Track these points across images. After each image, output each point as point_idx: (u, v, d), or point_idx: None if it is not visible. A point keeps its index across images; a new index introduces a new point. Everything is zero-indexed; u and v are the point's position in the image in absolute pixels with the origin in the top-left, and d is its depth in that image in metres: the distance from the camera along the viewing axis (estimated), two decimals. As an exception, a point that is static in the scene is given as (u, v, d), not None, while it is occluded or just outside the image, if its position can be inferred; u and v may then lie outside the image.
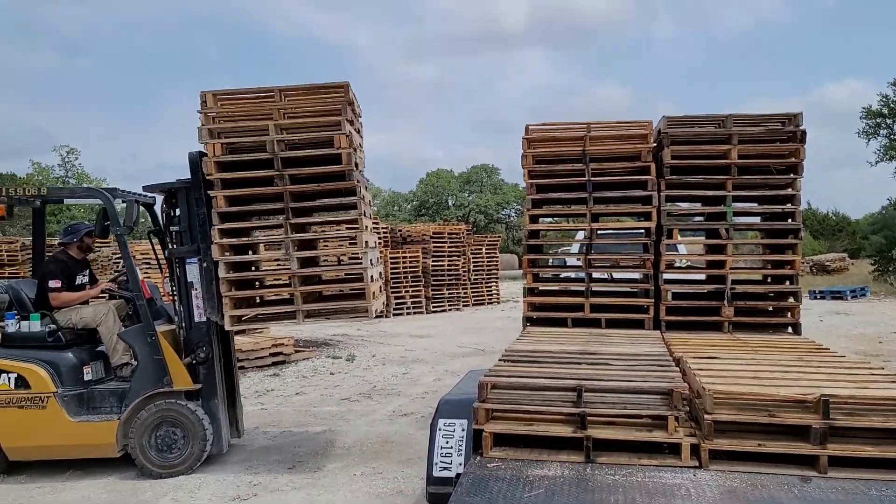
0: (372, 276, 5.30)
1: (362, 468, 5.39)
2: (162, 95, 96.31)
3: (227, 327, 5.23)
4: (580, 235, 6.37)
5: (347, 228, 5.63)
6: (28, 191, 5.61)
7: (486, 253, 21.69)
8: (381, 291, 5.89)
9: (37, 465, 5.63)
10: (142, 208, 5.87)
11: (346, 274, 5.71)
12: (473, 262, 21.19)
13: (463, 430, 3.71)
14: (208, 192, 5.17)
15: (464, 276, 20.60)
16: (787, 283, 5.78)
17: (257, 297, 5.62)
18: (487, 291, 21.73)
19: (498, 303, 21.84)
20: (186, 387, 5.36)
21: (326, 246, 5.78)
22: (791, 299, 5.75)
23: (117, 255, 17.48)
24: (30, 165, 38.01)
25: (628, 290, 6.10)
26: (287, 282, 5.27)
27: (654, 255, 5.80)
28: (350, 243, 5.32)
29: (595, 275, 6.06)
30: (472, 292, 20.99)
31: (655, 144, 5.88)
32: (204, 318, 5.38)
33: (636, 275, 6.10)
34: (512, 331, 5.61)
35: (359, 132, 5.69)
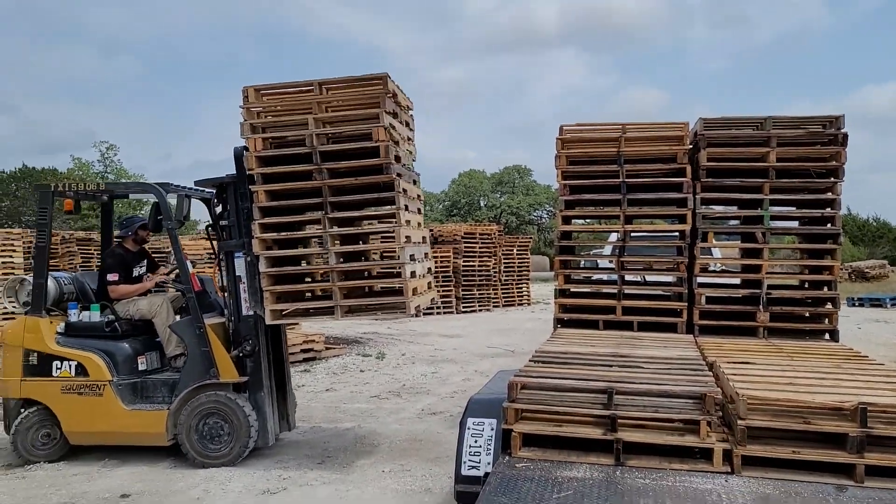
0: (414, 273, 5.27)
1: (391, 465, 5.42)
2: (197, 96, 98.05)
3: (268, 321, 5.26)
4: (613, 237, 6.32)
5: (386, 223, 5.60)
6: (88, 186, 5.91)
7: (517, 254, 21.63)
8: (429, 288, 5.85)
9: (75, 453, 5.77)
10: (198, 202, 6.04)
11: (386, 270, 5.69)
12: (504, 263, 21.15)
13: (492, 429, 3.72)
14: (250, 186, 5.23)
15: (494, 276, 20.57)
16: (825, 288, 5.67)
17: (307, 292, 5.63)
18: (518, 293, 21.67)
19: (528, 304, 21.76)
20: (232, 379, 5.42)
21: (374, 241, 5.78)
22: (829, 305, 5.64)
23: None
24: (70, 161, 38.83)
25: (661, 293, 6.04)
26: (327, 277, 5.28)
27: (688, 258, 5.73)
28: (387, 239, 5.29)
29: (627, 277, 6.01)
30: (503, 293, 20.95)
31: (691, 146, 5.81)
32: (251, 312, 5.43)
33: (669, 278, 6.03)
34: (542, 332, 5.60)
35: (407, 125, 5.65)
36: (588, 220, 8.52)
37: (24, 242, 17.27)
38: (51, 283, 5.80)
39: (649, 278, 6.75)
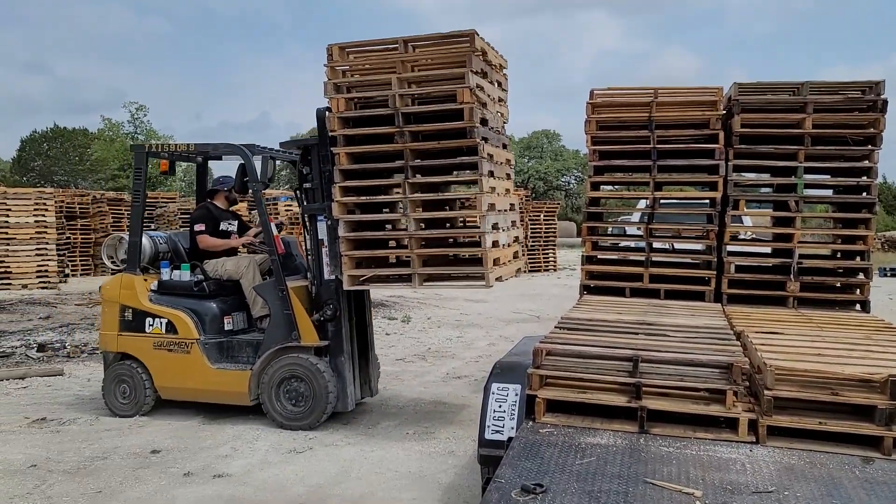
0: (496, 242, 5.12)
1: (415, 427, 5.49)
2: (226, 56, 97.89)
3: (346, 286, 5.22)
4: (642, 204, 6.24)
5: (468, 189, 5.42)
6: (178, 148, 6.02)
7: (544, 220, 21.52)
8: (515, 258, 5.70)
9: (106, 411, 5.93)
10: (285, 164, 6.11)
11: (466, 238, 5.58)
12: (531, 228, 21.07)
13: (516, 394, 3.73)
14: (332, 148, 5.16)
15: (521, 242, 20.50)
16: (858, 259, 5.56)
17: (390, 257, 5.51)
18: (544, 258, 21.63)
19: (555, 270, 21.72)
20: (313, 342, 5.44)
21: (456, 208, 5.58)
22: (861, 276, 5.53)
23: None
24: (101, 121, 39.25)
25: (690, 261, 5.97)
26: (403, 243, 5.17)
27: (718, 226, 5.64)
28: (470, 206, 5.09)
29: (655, 245, 5.94)
30: (529, 259, 20.92)
31: (725, 112, 5.68)
32: (332, 276, 5.42)
33: (699, 246, 5.95)
34: (568, 299, 5.58)
35: (500, 85, 5.45)
36: (617, 187, 8.43)
37: (56, 202, 17.57)
38: (146, 242, 5.97)
39: (678, 246, 6.67)
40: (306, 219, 5.55)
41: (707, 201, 5.72)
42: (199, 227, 6.00)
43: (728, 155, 5.53)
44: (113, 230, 20.07)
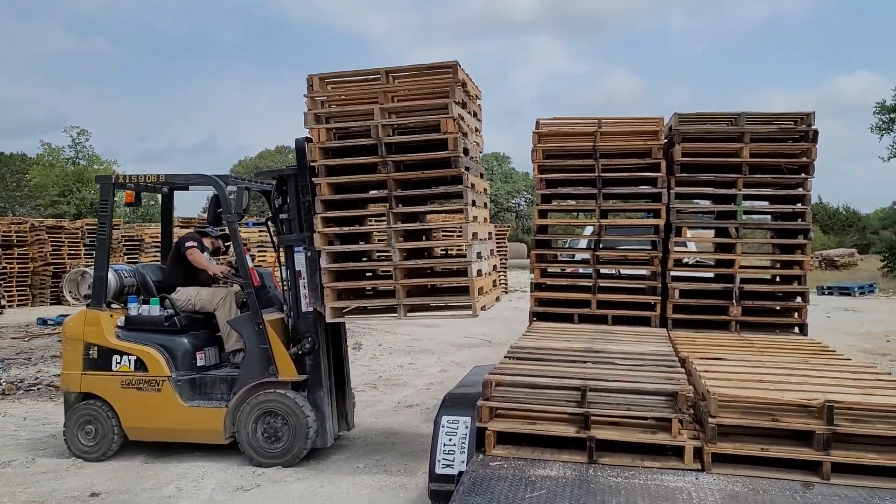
0: (480, 271, 5.09)
1: (365, 461, 5.42)
2: (172, 78, 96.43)
3: (328, 319, 5.12)
4: (589, 231, 6.35)
5: (452, 219, 5.38)
6: (148, 179, 5.79)
7: (494, 242, 21.63)
8: (494, 286, 5.68)
9: (43, 452, 5.69)
10: (260, 195, 6.00)
11: (452, 267, 5.54)
12: (481, 251, 21.14)
13: (466, 427, 3.73)
14: (312, 179, 5.08)
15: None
16: (796, 283, 5.74)
17: (366, 288, 5.46)
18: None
19: (506, 292, 21.82)
20: (291, 377, 5.29)
21: (436, 237, 5.55)
22: (799, 299, 5.72)
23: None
24: (40, 146, 38.09)
25: (636, 286, 6.08)
26: (390, 274, 5.08)
27: (662, 252, 5.77)
28: (456, 235, 5.12)
29: (602, 271, 6.04)
30: (480, 282, 20.95)
31: (666, 141, 5.85)
32: (311, 308, 5.29)
33: (644, 271, 6.08)
34: (519, 322, 5.61)
35: (475, 115, 5.46)
36: (567, 214, 8.57)
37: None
38: (111, 276, 5.72)
39: (624, 272, 6.79)
40: (282, 250, 5.46)
41: (651, 228, 5.86)
42: (189, 243, 5.85)
43: (670, 183, 5.67)
44: (52, 259, 19.45)
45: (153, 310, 5.65)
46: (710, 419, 3.31)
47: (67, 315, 14.56)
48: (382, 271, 5.32)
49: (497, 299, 5.71)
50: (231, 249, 5.88)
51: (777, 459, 3.27)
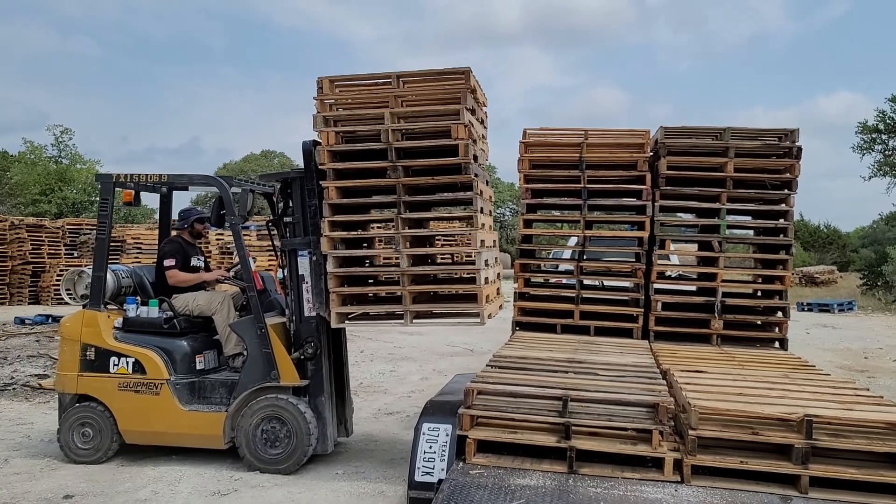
0: (487, 279, 5.06)
1: (344, 467, 5.37)
2: (155, 79, 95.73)
3: (334, 324, 5.07)
4: (573, 242, 6.37)
5: (462, 226, 5.41)
6: (150, 178, 5.68)
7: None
8: (498, 294, 5.65)
9: (17, 453, 5.59)
10: (261, 198, 5.90)
11: (459, 275, 5.50)
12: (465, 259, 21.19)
13: (447, 434, 3.71)
14: (320, 182, 5.03)
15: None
16: (777, 298, 5.79)
17: (369, 294, 5.42)
18: (478, 290, 21.71)
19: (488, 302, 21.80)
20: (293, 382, 5.22)
21: (440, 243, 5.51)
22: (780, 314, 5.76)
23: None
24: (22, 143, 37.67)
25: (619, 298, 6.10)
26: (396, 279, 5.03)
27: (645, 264, 5.80)
28: (464, 243, 5.03)
29: (586, 282, 6.05)
30: (463, 290, 20.96)
31: (652, 154, 5.88)
32: (314, 313, 5.22)
33: (627, 283, 6.10)
34: (502, 332, 5.61)
35: (482, 122, 5.45)
36: (552, 224, 8.59)
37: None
38: (109, 277, 5.61)
39: (607, 283, 6.82)
40: (285, 254, 5.38)
41: (636, 240, 5.88)
42: (168, 262, 5.71)
43: (655, 196, 5.71)
44: (31, 258, 19.22)
45: (152, 311, 5.56)
46: (690, 431, 3.32)
47: (46, 315, 14.42)
48: (385, 277, 5.29)
49: (500, 307, 5.67)
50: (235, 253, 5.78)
51: (756, 472, 3.29)
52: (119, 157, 71.98)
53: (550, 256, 10.43)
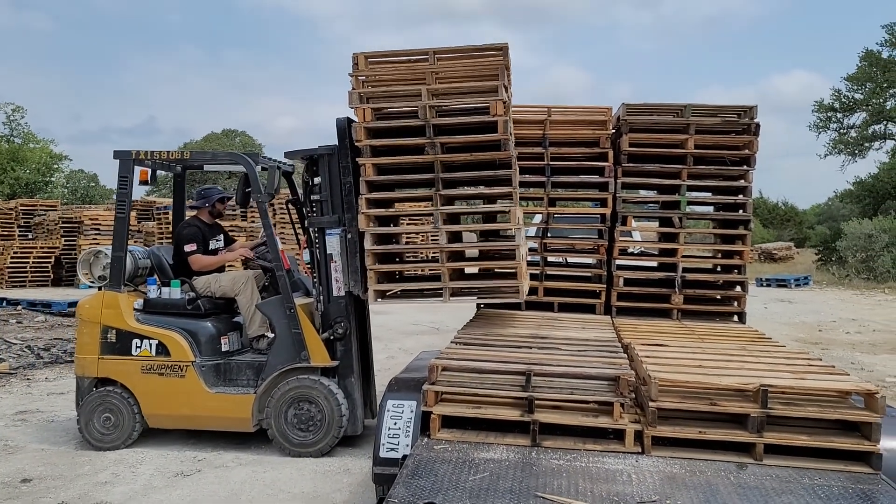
0: (522, 255, 5.06)
1: (310, 445, 5.36)
2: (110, 56, 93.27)
3: (371, 302, 5.00)
4: (537, 219, 6.39)
5: (501, 202, 5.27)
6: (172, 155, 5.50)
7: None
8: (527, 271, 5.59)
9: (-28, 436, 5.47)
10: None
11: (497, 251, 5.47)
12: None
13: (412, 411, 3.72)
14: (357, 159, 4.93)
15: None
16: (736, 272, 5.90)
17: (397, 272, 5.38)
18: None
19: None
20: (324, 363, 5.14)
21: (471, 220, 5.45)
22: (738, 289, 5.88)
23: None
24: (-29, 122, 36.39)
25: (582, 274, 6.16)
26: (431, 257, 4.93)
27: (608, 241, 5.85)
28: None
29: (550, 258, 6.09)
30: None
31: (614, 131, 5.91)
32: (343, 293, 5.14)
33: (590, 260, 6.15)
34: (467, 310, 5.62)
35: (510, 100, 5.38)
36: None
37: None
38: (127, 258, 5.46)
39: (571, 260, 6.87)
40: (308, 233, 5.30)
41: (598, 217, 5.93)
42: (189, 247, 5.56)
43: (617, 173, 5.75)
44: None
45: (174, 293, 5.43)
46: (650, 403, 3.38)
47: (1, 298, 14.04)
48: (418, 255, 5.21)
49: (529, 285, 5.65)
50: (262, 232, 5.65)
51: (714, 442, 3.36)
52: (72, 135, 70.25)
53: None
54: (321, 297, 5.27)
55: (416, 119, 4.83)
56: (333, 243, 5.16)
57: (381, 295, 5.07)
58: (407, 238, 5.44)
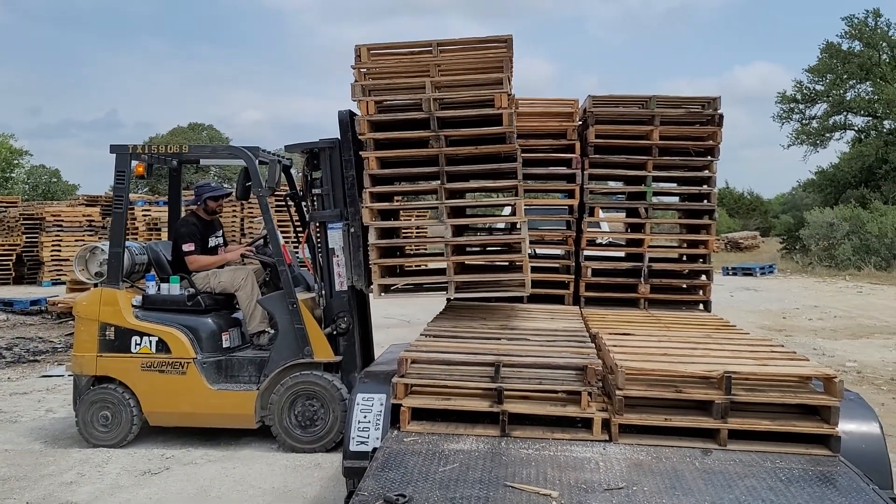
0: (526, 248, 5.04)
1: (280, 440, 5.34)
2: (70, 48, 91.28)
3: (375, 296, 4.95)
4: (506, 211, 6.41)
5: (505, 196, 5.20)
6: (170, 149, 5.40)
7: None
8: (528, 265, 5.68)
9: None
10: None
11: (502, 245, 5.39)
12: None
13: (381, 404, 3.71)
14: (360, 152, 4.85)
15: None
16: (701, 262, 5.98)
17: (397, 267, 5.32)
18: (414, 262, 21.74)
19: (425, 273, 21.88)
20: (327, 358, 5.12)
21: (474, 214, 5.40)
22: (703, 278, 5.97)
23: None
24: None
25: (551, 265, 6.20)
26: (434, 251, 4.88)
27: (576, 232, 5.90)
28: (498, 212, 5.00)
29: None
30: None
31: (581, 123, 5.95)
32: (345, 287, 5.09)
33: (559, 251, 6.19)
34: (437, 302, 5.64)
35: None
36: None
37: None
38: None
39: (540, 251, 6.91)
40: (314, 227, 5.24)
41: (566, 208, 5.97)
42: (187, 246, 5.50)
43: (584, 164, 5.79)
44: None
45: (173, 289, 5.37)
46: (617, 391, 3.42)
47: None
48: (417, 249, 5.16)
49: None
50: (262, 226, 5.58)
51: (679, 428, 3.41)
52: (30, 130, 68.77)
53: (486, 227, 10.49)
54: (323, 292, 5.23)
55: (419, 112, 4.78)
56: (335, 237, 5.15)
57: (386, 289, 5.04)
58: (398, 232, 5.40)
